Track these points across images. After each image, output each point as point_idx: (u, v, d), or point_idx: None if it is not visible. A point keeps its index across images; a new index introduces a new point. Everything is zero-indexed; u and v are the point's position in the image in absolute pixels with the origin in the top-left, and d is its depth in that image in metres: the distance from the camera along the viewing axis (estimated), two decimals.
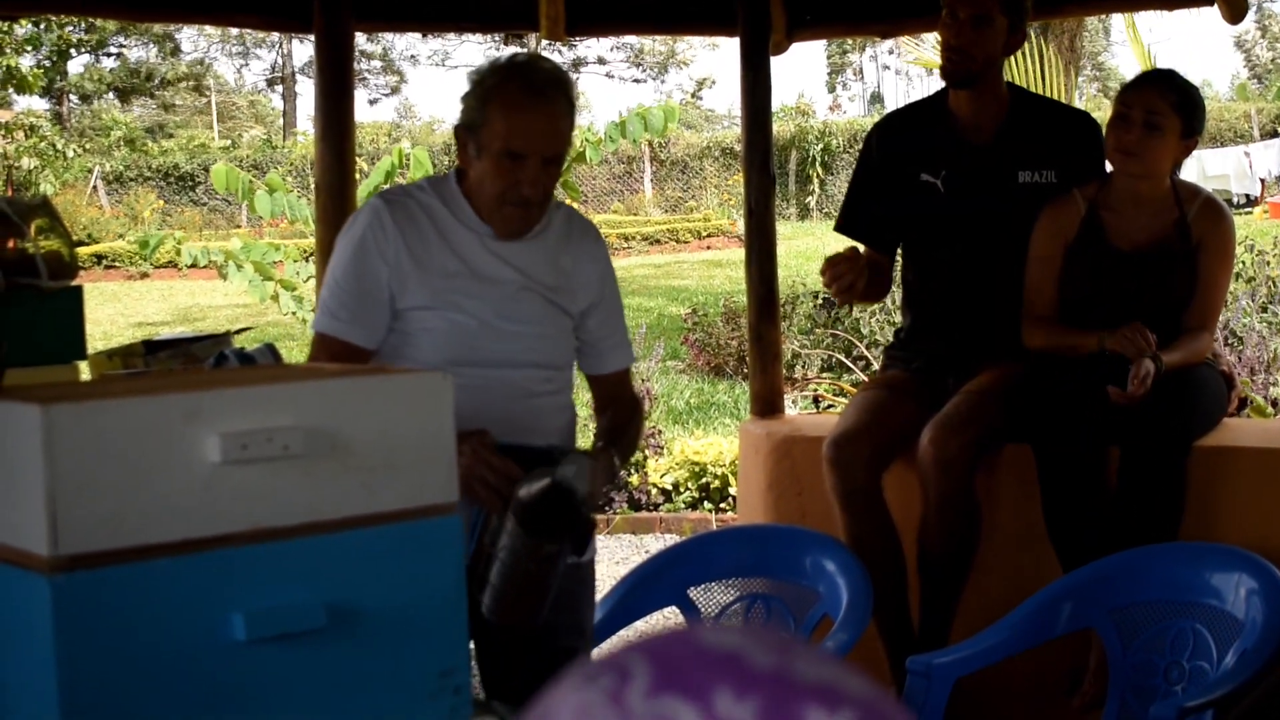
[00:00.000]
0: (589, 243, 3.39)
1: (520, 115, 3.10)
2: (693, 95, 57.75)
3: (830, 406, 8.79)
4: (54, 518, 1.72)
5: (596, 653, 5.27)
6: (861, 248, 4.39)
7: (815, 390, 9.33)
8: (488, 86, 3.13)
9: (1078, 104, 15.06)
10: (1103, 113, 4.34)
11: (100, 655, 1.76)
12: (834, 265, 4.15)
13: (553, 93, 3.13)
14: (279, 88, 56.63)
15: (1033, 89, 9.74)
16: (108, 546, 1.76)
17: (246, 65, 63.46)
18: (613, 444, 3.22)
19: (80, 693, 1.75)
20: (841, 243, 4.48)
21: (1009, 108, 4.50)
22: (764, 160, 5.44)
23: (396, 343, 3.18)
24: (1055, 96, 10.69)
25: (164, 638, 1.80)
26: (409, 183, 3.42)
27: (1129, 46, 11.69)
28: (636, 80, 57.30)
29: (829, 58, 65.55)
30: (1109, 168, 4.31)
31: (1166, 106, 4.15)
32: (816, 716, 0.66)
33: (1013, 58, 10.35)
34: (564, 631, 3.15)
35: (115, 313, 19.78)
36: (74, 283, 3.86)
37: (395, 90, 62.05)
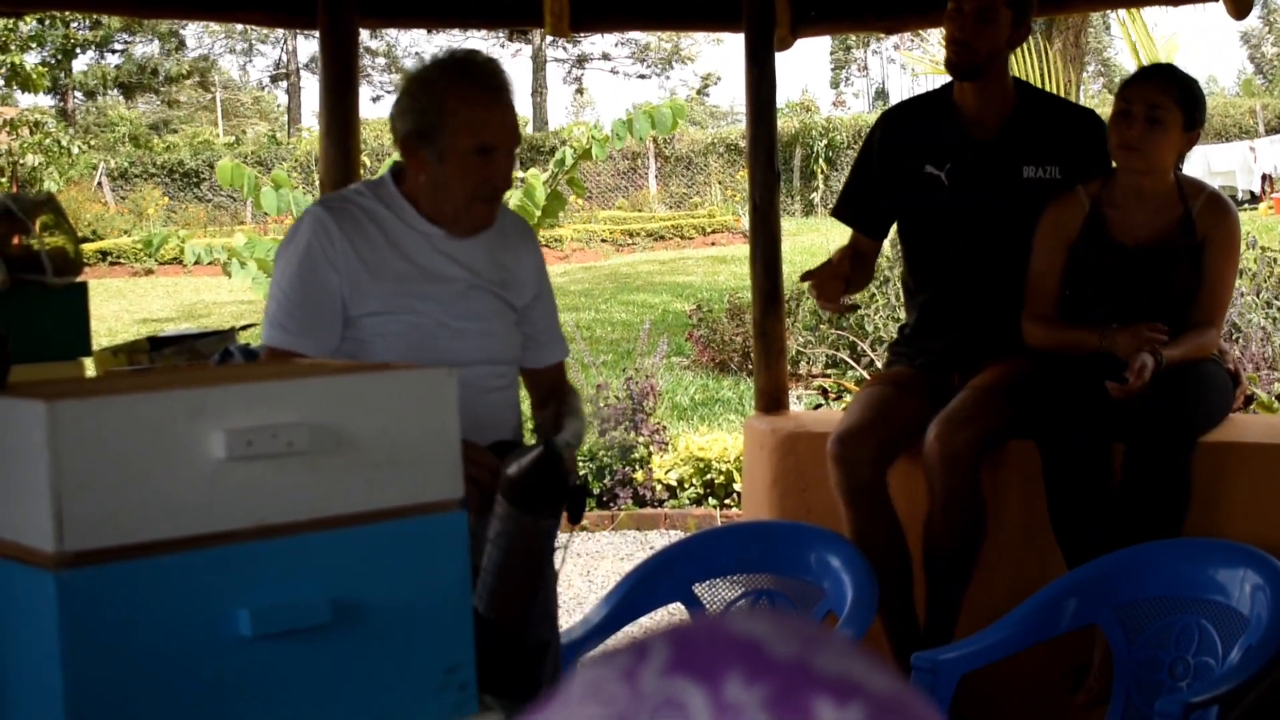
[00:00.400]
0: (524, 238, 3.43)
1: (486, 111, 3.13)
2: (697, 91, 57.76)
3: (835, 402, 8.79)
4: (59, 514, 1.73)
5: (601, 648, 5.28)
6: (837, 243, 4.40)
7: (820, 386, 9.33)
8: (440, 88, 3.14)
9: (1083, 101, 15.05)
10: (1108, 109, 4.32)
11: (105, 651, 1.76)
12: (817, 282, 4.23)
13: (505, 83, 3.19)
14: (283, 84, 56.65)
15: (1038, 85, 9.73)
16: (113, 543, 1.77)
17: (250, 62, 63.50)
18: (566, 428, 3.22)
19: (85, 688, 1.75)
20: (839, 230, 4.50)
21: (1014, 103, 4.50)
22: (768, 156, 5.43)
23: (351, 350, 3.16)
24: (1060, 93, 10.68)
25: (169, 634, 1.80)
26: (345, 189, 3.42)
27: (1137, 44, 11.67)
28: (641, 76, 57.31)
29: (832, 54, 65.53)
30: (1114, 164, 4.30)
31: (1168, 100, 4.15)
32: (825, 708, 0.66)
33: (1019, 54, 10.38)
34: (537, 623, 3.15)
35: (120, 309, 19.80)
36: (79, 279, 3.86)
37: (398, 88, 62.01)
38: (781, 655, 0.68)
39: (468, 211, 3.19)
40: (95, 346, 3.91)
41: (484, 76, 3.15)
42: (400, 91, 3.23)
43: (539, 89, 51.63)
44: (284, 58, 56.04)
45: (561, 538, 3.10)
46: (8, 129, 18.87)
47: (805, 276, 4.30)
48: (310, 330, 3.14)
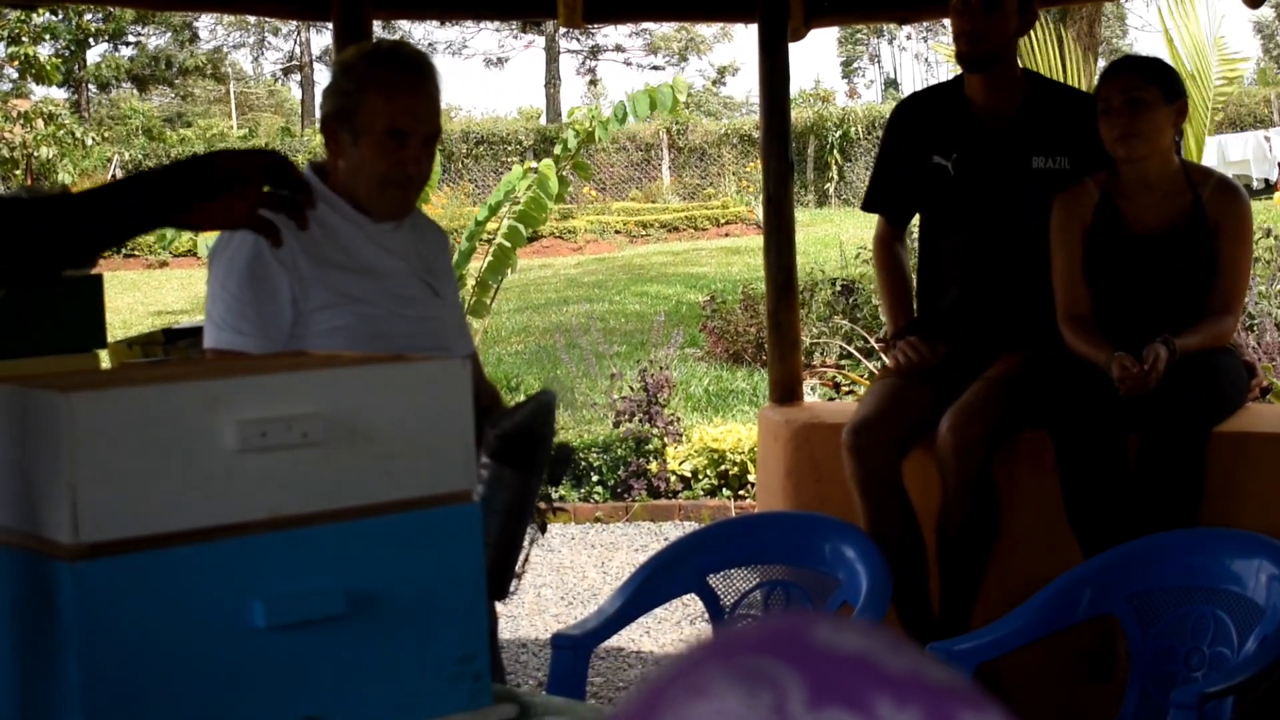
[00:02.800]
0: (436, 232, 3.50)
1: (400, 95, 3.17)
2: (712, 82, 57.71)
3: (849, 393, 8.78)
4: (75, 505, 1.73)
5: (620, 640, 5.28)
6: (850, 235, 4.42)
7: (834, 377, 9.32)
8: (361, 71, 3.19)
9: None
10: None
11: (121, 642, 1.77)
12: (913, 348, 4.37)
13: (426, 72, 3.22)
14: (296, 77, 56.67)
15: (1053, 76, 9.71)
16: (129, 534, 1.77)
17: (263, 54, 63.53)
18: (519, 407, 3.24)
19: (101, 679, 1.76)
20: (853, 221, 4.50)
21: (1024, 93, 4.49)
22: (782, 147, 5.43)
23: (308, 348, 3.15)
24: (1075, 83, 10.66)
25: (184, 624, 1.81)
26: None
27: (1154, 34, 11.60)
28: (655, 67, 57.24)
29: (841, 44, 65.46)
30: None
31: (1141, 80, 4.18)
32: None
33: (1032, 44, 10.36)
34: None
35: (135, 301, 19.83)
36: (94, 271, 3.86)
37: None
38: (900, 669, 0.69)
39: (380, 196, 3.23)
40: (110, 339, 3.91)
41: (402, 62, 3.21)
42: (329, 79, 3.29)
43: (552, 80, 51.62)
44: (297, 50, 56.08)
45: (531, 532, 3.09)
46: (22, 121, 18.89)
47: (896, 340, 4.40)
48: (262, 330, 3.14)
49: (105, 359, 3.98)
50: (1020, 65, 4.62)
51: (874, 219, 4.81)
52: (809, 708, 0.67)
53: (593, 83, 61.23)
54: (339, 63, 3.30)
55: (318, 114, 4.09)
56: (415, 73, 3.21)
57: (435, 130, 3.24)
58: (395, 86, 3.17)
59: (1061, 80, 9.62)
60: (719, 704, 0.68)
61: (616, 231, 25.53)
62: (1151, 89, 4.17)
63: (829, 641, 0.70)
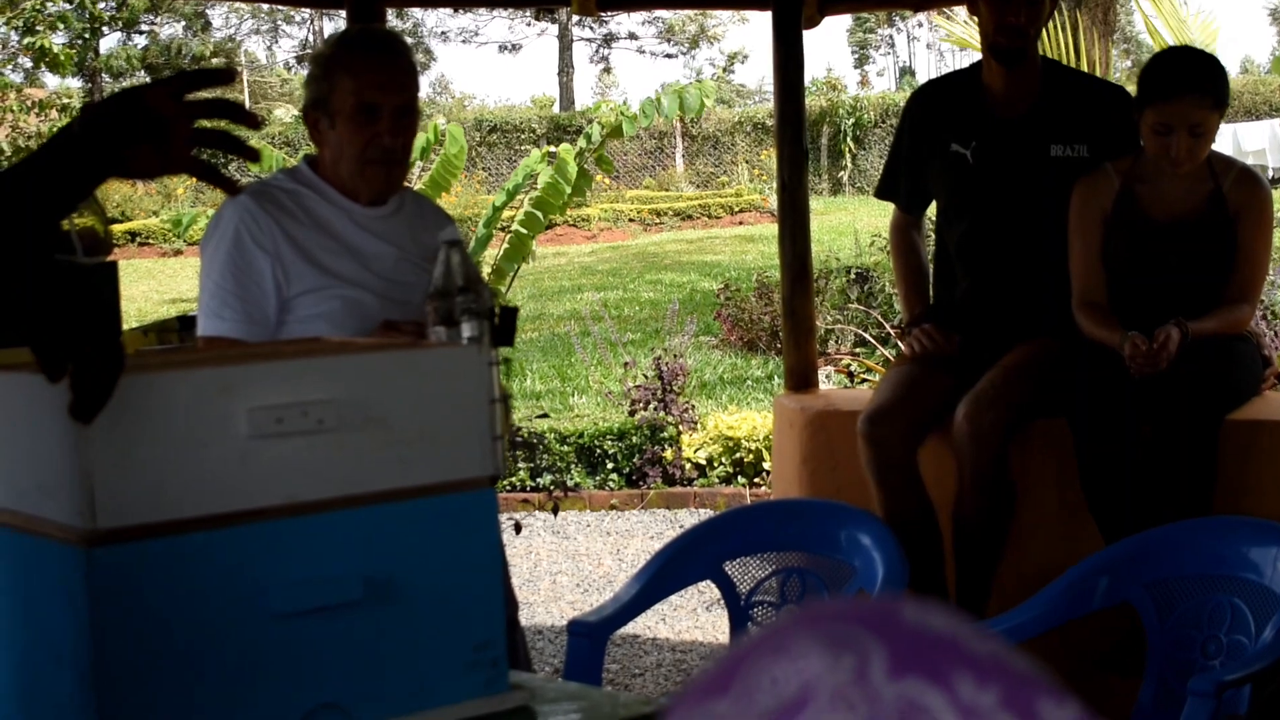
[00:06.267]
0: (438, 217, 3.50)
1: (366, 71, 3.22)
2: (724, 70, 57.64)
3: (864, 381, 8.77)
4: (90, 492, 1.72)
5: (636, 627, 5.29)
6: (864, 224, 4.40)
7: (849, 365, 9.31)
8: (328, 57, 3.27)
9: (1113, 77, 14.96)
10: (1135, 85, 4.27)
11: (136, 629, 1.76)
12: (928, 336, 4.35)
13: (393, 47, 3.29)
14: (309, 65, 56.68)
15: (1069, 63, 9.68)
16: (144, 520, 1.76)
17: (276, 43, 63.52)
18: None
19: (114, 666, 1.75)
20: (867, 210, 4.50)
21: (1042, 81, 4.47)
22: (796, 134, 5.42)
23: (292, 332, 3.19)
24: (1091, 70, 10.63)
25: (200, 610, 1.80)
26: (264, 178, 3.48)
27: (1160, 28, 11.56)
28: (668, 55, 57.24)
29: (851, 33, 65.33)
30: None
31: (1205, 111, 4.07)
32: (1049, 709, 0.68)
33: (1047, 31, 10.33)
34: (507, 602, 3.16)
35: (149, 289, 19.86)
36: (108, 259, 3.86)
37: (425, 68, 62.03)
38: (985, 652, 0.70)
39: (361, 175, 3.27)
40: (125, 326, 3.91)
41: (368, 39, 3.30)
42: None
43: (565, 69, 51.59)
44: (310, 38, 56.08)
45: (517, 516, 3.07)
46: (37, 110, 18.91)
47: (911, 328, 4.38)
48: (247, 317, 3.19)
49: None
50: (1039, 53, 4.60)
51: (889, 208, 4.80)
52: (890, 675, 0.67)
53: (606, 70, 61.20)
54: (312, 55, 3.36)
55: None
56: (380, 49, 3.27)
57: (406, 102, 3.27)
58: (361, 63, 3.23)
59: (1075, 66, 9.60)
60: (801, 663, 0.68)
61: (630, 219, 25.51)
62: (1214, 115, 4.09)
63: (917, 619, 0.70)
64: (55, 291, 1.68)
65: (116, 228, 21.83)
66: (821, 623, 0.70)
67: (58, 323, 1.66)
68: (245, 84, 54.51)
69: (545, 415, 9.20)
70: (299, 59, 58.79)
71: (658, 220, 25.68)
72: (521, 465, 8.55)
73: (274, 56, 61.58)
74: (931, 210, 4.77)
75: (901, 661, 0.68)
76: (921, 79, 48.47)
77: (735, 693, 0.69)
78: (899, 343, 8.62)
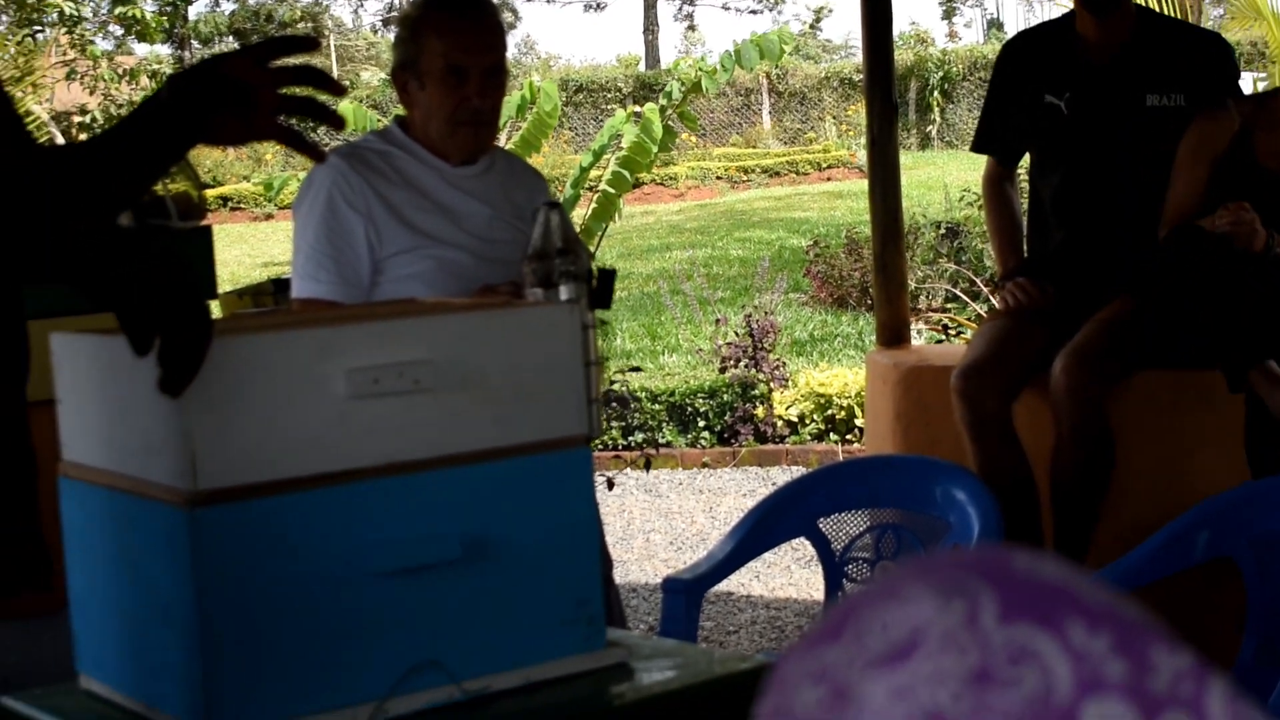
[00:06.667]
0: (531, 176, 3.53)
1: (455, 32, 3.23)
2: (810, 26, 57.26)
3: (957, 336, 8.71)
4: (192, 454, 1.74)
5: (730, 584, 5.30)
6: (954, 178, 4.36)
7: (941, 320, 9.26)
8: (416, 19, 3.28)
9: (1205, 25, 14.73)
10: (1228, 35, 4.19)
11: (238, 589, 1.78)
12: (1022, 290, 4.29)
13: (481, 7, 3.29)
14: (397, 27, 56.83)
15: (1162, 10, 9.54)
16: (244, 481, 1.78)
17: (362, 5, 63.77)
18: None
19: (219, 626, 1.77)
20: (957, 163, 4.46)
21: (1136, 29, 4.41)
22: (886, 88, 5.37)
23: (386, 292, 3.20)
24: (1183, 18, 10.47)
25: (300, 570, 1.82)
26: (355, 140, 3.49)
27: None
28: (753, 11, 56.84)
29: None
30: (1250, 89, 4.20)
31: None
32: (1162, 656, 0.68)
33: None
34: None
35: (242, 254, 20.03)
36: (203, 223, 3.90)
37: (511, 28, 62.04)
38: (1098, 601, 0.70)
39: (452, 137, 3.28)
40: (220, 290, 3.95)
41: (455, 2, 3.28)
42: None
43: (650, 27, 51.43)
44: (396, 0, 56.25)
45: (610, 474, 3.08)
46: (128, 78, 19.09)
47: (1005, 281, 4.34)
48: (341, 278, 3.21)
49: (217, 309, 4.02)
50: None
51: (979, 161, 4.76)
52: (1001, 620, 0.67)
53: (690, 28, 60.98)
54: (399, 17, 3.36)
55: None
56: (468, 9, 3.27)
57: (495, 63, 3.27)
58: (449, 25, 3.24)
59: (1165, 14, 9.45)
60: (913, 608, 0.68)
61: (718, 177, 25.44)
62: None
63: (1029, 567, 0.70)
64: (140, 264, 1.69)
65: (208, 193, 22.01)
66: (934, 571, 0.70)
67: (144, 297, 1.67)
68: (331, 47, 54.76)
69: (637, 369, 9.20)
70: (385, 21, 58.96)
71: (745, 177, 25.59)
72: (614, 424, 8.56)
73: (360, 19, 61.84)
74: (1025, 162, 4.73)
75: (1012, 607, 0.68)
76: (1010, 31, 47.94)
77: (847, 638, 0.69)
78: (991, 297, 8.56)
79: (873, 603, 0.70)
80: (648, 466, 7.70)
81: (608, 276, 2.83)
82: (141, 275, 1.68)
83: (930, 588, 0.69)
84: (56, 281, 1.77)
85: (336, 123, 1.90)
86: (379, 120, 8.50)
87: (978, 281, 9.74)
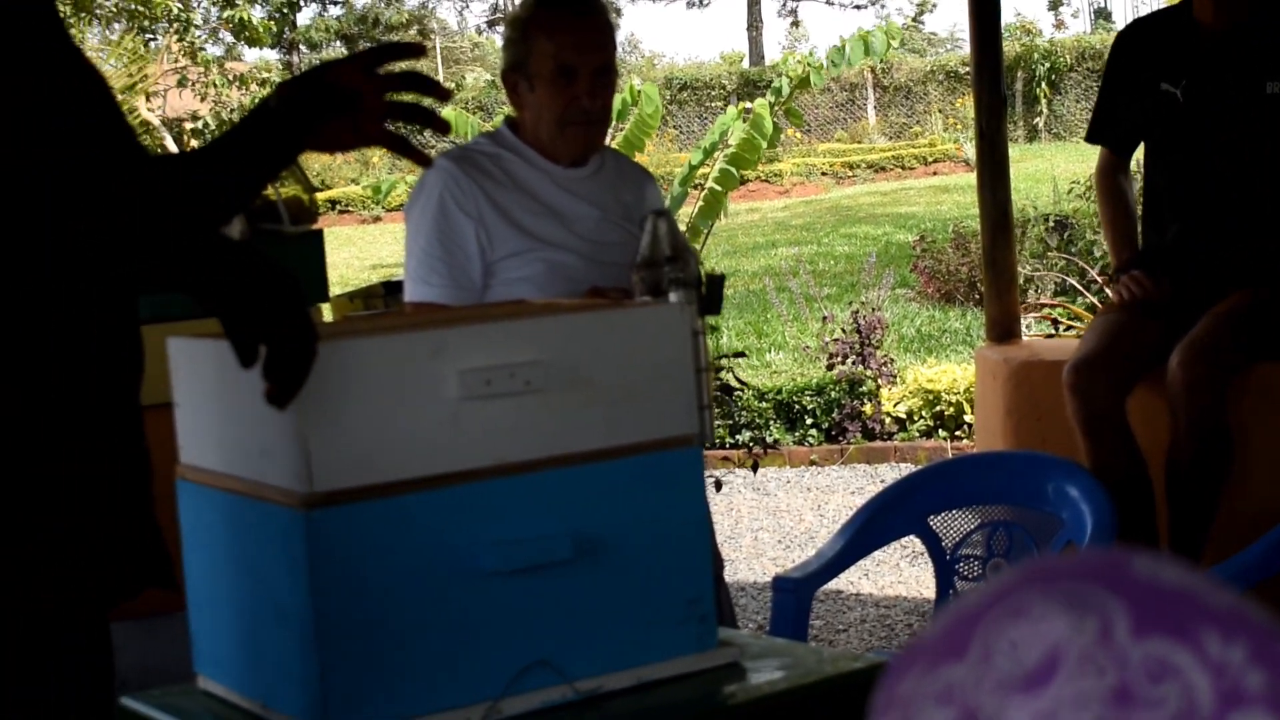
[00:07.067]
0: (640, 176, 3.52)
1: (564, 32, 3.23)
2: (913, 19, 56.91)
3: (1068, 330, 8.62)
4: (307, 456, 1.76)
5: (839, 583, 5.28)
6: (1062, 170, 4.31)
7: (1054, 314, 9.17)
8: (525, 19, 3.27)
9: None
10: None
11: (352, 588, 1.80)
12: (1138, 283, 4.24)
13: (590, 7, 3.29)
14: (500, 29, 57.14)
15: None
16: (358, 483, 1.80)
17: (467, 7, 64.14)
18: None
19: (334, 624, 1.79)
20: (1065, 155, 4.41)
21: (1255, 15, 4.33)
22: (994, 80, 5.32)
23: (496, 297, 3.20)
24: None
25: (413, 570, 1.83)
26: (465, 142, 3.49)
27: None
28: (857, 6, 56.60)
29: None
30: None
31: None
32: None
33: None
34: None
35: (350, 256, 20.22)
36: (314, 227, 3.94)
37: (614, 28, 62.11)
38: (1223, 606, 0.68)
39: (561, 137, 3.28)
40: (331, 293, 3.98)
41: (564, 2, 3.27)
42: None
43: (754, 23, 51.33)
44: (501, 2, 56.53)
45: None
46: (238, 84, 19.32)
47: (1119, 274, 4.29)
48: (453, 282, 3.21)
49: (328, 312, 4.06)
50: None
51: (1087, 153, 4.71)
52: (1135, 636, 0.66)
53: (794, 24, 60.78)
54: (508, 18, 3.37)
55: None
56: (577, 9, 3.27)
57: (604, 62, 3.27)
58: (558, 25, 3.24)
59: None
60: (1042, 625, 0.67)
61: (823, 173, 25.35)
62: None
63: (1151, 573, 0.69)
64: (246, 275, 1.71)
65: (318, 196, 22.25)
66: (1054, 581, 0.69)
67: (248, 309, 1.69)
68: (437, 49, 55.15)
69: (743, 354, 9.16)
70: (490, 23, 59.27)
71: (850, 173, 25.47)
72: (720, 422, 8.55)
73: (465, 21, 62.23)
74: (1139, 153, 4.66)
75: (1144, 620, 0.66)
76: (1118, 20, 47.34)
77: (973, 657, 0.68)
78: (1105, 289, 8.46)
79: (997, 619, 0.68)
80: (755, 468, 7.69)
81: (717, 282, 2.82)
82: (246, 287, 1.70)
83: (1056, 602, 0.67)
84: (172, 290, 1.80)
85: (442, 127, 1.93)
86: (482, 124, 8.54)
87: (1091, 271, 9.63)
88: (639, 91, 7.55)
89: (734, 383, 7.43)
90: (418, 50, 1.92)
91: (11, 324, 1.68)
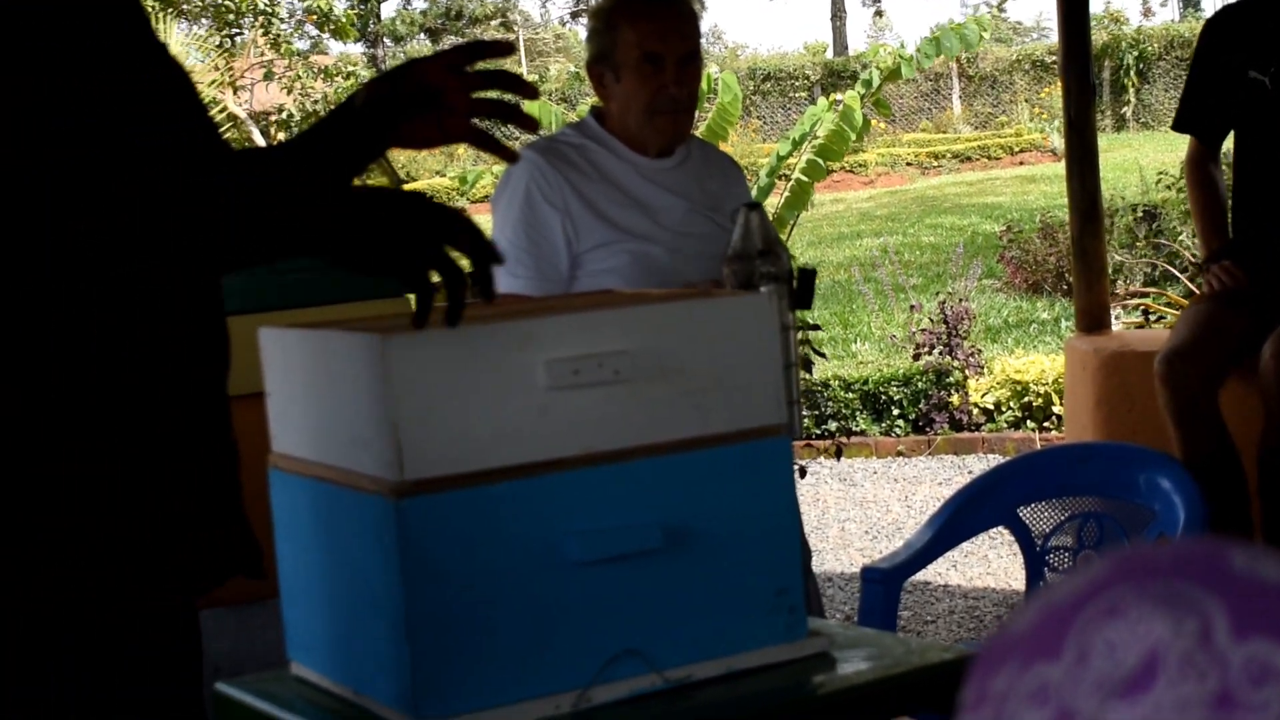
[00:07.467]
0: (729, 168, 3.51)
1: (649, 20, 3.22)
2: (998, 8, 56.49)
3: (1158, 321, 8.54)
4: (398, 445, 1.77)
5: (927, 574, 5.25)
6: (1150, 160, 4.25)
7: (1143, 304, 9.08)
8: (609, 10, 3.26)
9: None
10: None
11: (443, 576, 1.81)
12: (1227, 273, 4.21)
13: None
14: (583, 20, 57.24)
15: None
16: (448, 471, 1.80)
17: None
18: None
19: (424, 612, 1.80)
20: (1153, 145, 4.37)
21: None
22: (1083, 70, 5.28)
23: (582, 288, 3.19)
24: None
25: (503, 559, 1.84)
26: (551, 134, 3.48)
27: None
28: None
29: None
30: None
31: None
32: None
33: None
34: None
35: None
36: None
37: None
38: None
39: (650, 126, 3.27)
40: None
41: None
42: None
43: (838, 13, 51.12)
44: None
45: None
46: (323, 77, 19.45)
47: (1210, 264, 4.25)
48: (540, 274, 3.21)
49: (413, 303, 4.07)
50: None
51: (1176, 142, 4.66)
52: (1235, 637, 0.65)
53: (878, 14, 60.50)
54: (592, 10, 3.38)
55: None
56: None
57: (690, 49, 3.26)
58: (643, 14, 3.24)
59: None
60: (1140, 626, 0.66)
61: (908, 164, 25.22)
62: None
63: (1249, 569, 0.67)
64: (388, 210, 1.67)
65: (404, 188, 22.33)
66: (1151, 579, 0.68)
67: (409, 238, 1.67)
68: (520, 41, 55.31)
69: (817, 326, 9.10)
70: (573, 14, 59.39)
71: (935, 163, 25.33)
72: (806, 413, 8.53)
73: (547, 13, 62.36)
74: (1229, 143, 4.61)
75: (1245, 620, 0.65)
76: (1207, 8, 46.78)
77: (1068, 658, 0.67)
78: (1203, 279, 8.38)
79: (1091, 617, 0.67)
80: (839, 455, 7.66)
81: (808, 276, 2.80)
82: (397, 220, 1.66)
83: (1153, 602, 0.66)
84: (303, 253, 1.73)
85: (529, 124, 1.93)
86: (566, 115, 8.55)
87: (1186, 256, 9.52)
88: (716, 80, 7.53)
89: (813, 356, 7.38)
90: (505, 49, 1.92)
91: (11, 324, 1.68)
